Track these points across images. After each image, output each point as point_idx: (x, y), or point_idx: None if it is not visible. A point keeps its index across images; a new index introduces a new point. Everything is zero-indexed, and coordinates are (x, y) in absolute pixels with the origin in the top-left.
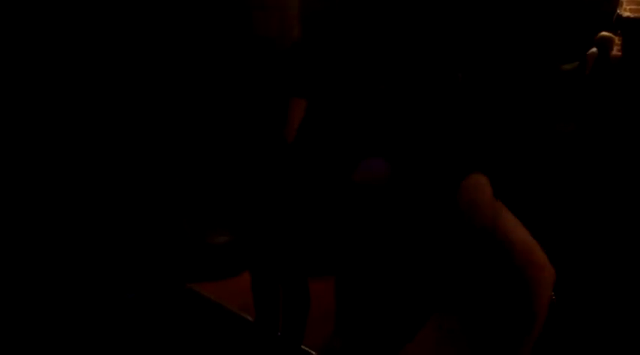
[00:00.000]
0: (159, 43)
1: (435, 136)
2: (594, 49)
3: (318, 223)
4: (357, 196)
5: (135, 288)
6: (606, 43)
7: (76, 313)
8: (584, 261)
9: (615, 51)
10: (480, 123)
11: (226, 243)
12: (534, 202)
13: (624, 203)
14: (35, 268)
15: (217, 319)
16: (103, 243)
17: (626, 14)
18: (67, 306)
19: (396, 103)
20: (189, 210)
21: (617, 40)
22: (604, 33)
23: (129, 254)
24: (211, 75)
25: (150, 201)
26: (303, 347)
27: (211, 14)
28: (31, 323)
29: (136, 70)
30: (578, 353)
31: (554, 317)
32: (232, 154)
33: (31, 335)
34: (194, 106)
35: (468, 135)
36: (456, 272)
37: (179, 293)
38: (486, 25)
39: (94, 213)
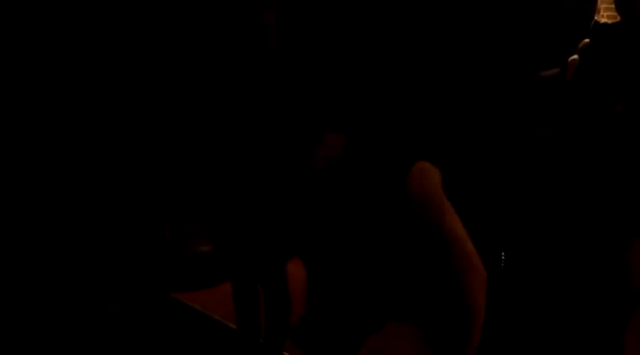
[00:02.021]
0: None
1: (393, 117)
2: (575, 56)
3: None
4: (315, 172)
5: (116, 299)
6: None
7: (56, 325)
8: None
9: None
10: (440, 116)
11: (210, 251)
12: (484, 203)
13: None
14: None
15: (201, 328)
16: (81, 251)
17: (603, 20)
18: (45, 317)
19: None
20: (171, 219)
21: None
22: (587, 40)
23: (109, 263)
24: (197, 82)
25: (131, 210)
26: (285, 353)
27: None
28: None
29: (129, 74)
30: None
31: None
32: (213, 162)
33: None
34: (176, 111)
35: (427, 123)
36: (406, 264)
37: (163, 302)
38: (463, 25)
39: (71, 221)
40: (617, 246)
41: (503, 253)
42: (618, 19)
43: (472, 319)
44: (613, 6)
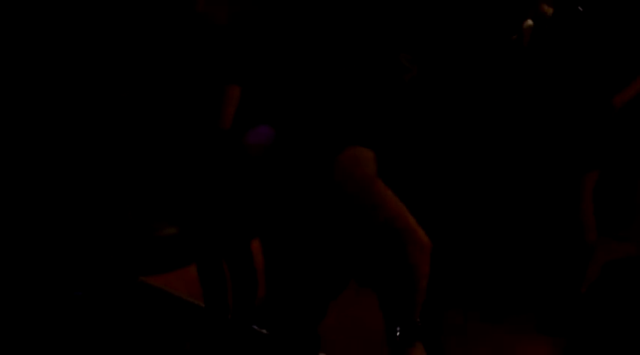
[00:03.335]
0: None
1: (318, 106)
2: (530, 22)
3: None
4: (248, 160)
5: (83, 285)
6: (543, 15)
7: (24, 312)
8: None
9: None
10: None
11: (175, 234)
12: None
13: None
14: None
15: (170, 309)
16: (47, 239)
17: None
18: (13, 305)
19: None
20: (134, 203)
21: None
22: (543, 5)
23: (75, 249)
24: (149, 62)
25: (95, 195)
26: (254, 327)
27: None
28: None
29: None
30: None
31: None
32: (171, 144)
33: None
34: (133, 95)
35: (353, 108)
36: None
37: (131, 286)
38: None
39: (36, 208)
40: (569, 207)
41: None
42: None
43: (418, 287)
44: None
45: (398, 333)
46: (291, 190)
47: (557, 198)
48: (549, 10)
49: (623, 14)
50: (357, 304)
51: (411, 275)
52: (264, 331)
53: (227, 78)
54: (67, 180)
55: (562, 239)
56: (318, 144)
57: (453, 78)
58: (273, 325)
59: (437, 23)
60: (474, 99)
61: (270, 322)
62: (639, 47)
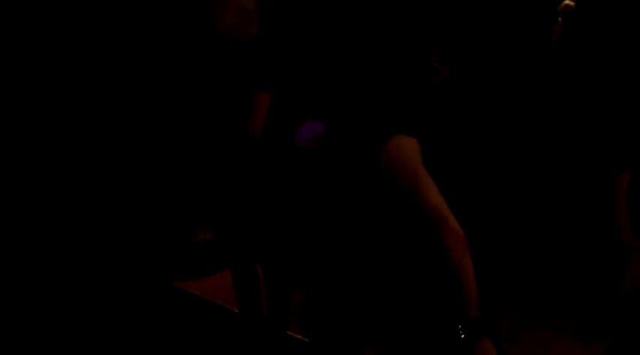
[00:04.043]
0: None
1: (363, 100)
2: (559, 19)
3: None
4: (298, 158)
5: (118, 291)
6: (570, 12)
7: (61, 318)
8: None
9: None
10: (414, 87)
11: (210, 239)
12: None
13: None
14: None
15: (204, 314)
16: (81, 245)
17: None
18: (50, 311)
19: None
20: (171, 208)
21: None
22: (567, 1)
23: (109, 255)
24: (178, 71)
25: (130, 201)
26: (288, 332)
27: (166, 8)
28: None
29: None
30: None
31: None
32: (205, 151)
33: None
34: (164, 102)
35: (394, 101)
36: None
37: (166, 292)
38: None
39: (70, 214)
40: (604, 211)
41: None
42: None
43: (460, 272)
44: None
45: (461, 332)
46: (339, 184)
47: (590, 199)
48: (572, 4)
49: None
50: None
51: (452, 268)
52: (299, 337)
53: (256, 85)
54: (103, 184)
55: (597, 241)
56: (364, 137)
57: (484, 77)
58: (314, 330)
59: (466, 22)
60: (505, 98)
61: (311, 328)
62: None
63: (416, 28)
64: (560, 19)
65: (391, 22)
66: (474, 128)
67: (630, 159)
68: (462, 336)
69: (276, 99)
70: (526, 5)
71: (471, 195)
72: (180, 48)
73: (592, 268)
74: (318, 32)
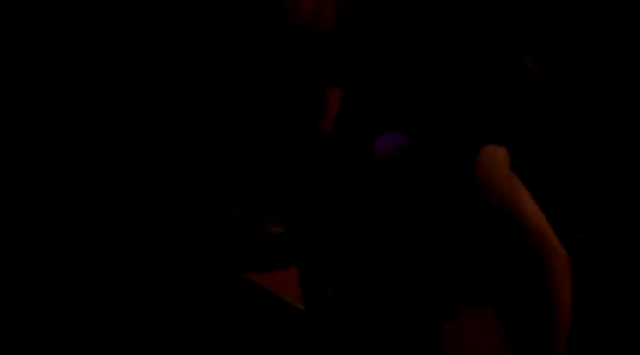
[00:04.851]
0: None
1: (452, 107)
2: None
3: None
4: (378, 171)
5: (190, 278)
6: None
7: (134, 305)
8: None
9: None
10: (502, 98)
11: (280, 233)
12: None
13: None
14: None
15: (269, 309)
16: (155, 235)
17: None
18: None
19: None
20: (243, 200)
21: None
22: None
23: (184, 243)
24: (249, 64)
25: (202, 191)
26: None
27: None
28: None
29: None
30: None
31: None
32: (276, 144)
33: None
34: (233, 93)
35: (486, 107)
36: (476, 251)
37: (236, 283)
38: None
39: (146, 205)
40: None
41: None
42: None
43: (556, 302)
44: None
45: None
46: (424, 196)
47: None
48: None
49: None
50: (472, 325)
51: (548, 292)
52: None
53: (329, 81)
54: (176, 174)
55: None
56: (456, 147)
57: (577, 77)
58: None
59: (559, 22)
60: (599, 100)
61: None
62: None
63: (510, 24)
64: None
65: (485, 17)
66: (568, 133)
67: None
68: None
69: (349, 98)
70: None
71: (568, 205)
72: (254, 41)
73: None
74: (402, 29)
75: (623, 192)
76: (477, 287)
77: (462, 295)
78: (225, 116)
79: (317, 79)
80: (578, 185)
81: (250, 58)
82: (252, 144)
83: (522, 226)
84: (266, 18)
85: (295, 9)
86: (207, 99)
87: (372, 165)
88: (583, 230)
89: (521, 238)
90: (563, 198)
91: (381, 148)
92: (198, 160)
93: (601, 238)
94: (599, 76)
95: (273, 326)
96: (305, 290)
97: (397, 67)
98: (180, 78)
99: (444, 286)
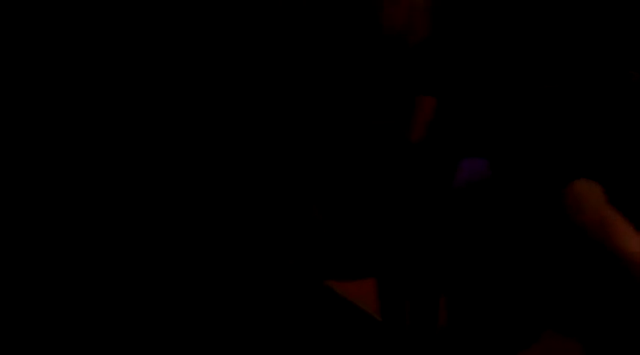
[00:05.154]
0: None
1: (539, 137)
2: None
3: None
4: (460, 196)
5: (276, 281)
6: None
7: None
8: None
9: None
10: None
11: (360, 242)
12: None
13: None
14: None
15: (348, 318)
16: (239, 239)
17: None
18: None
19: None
20: (324, 207)
21: None
22: None
23: (261, 250)
24: (337, 71)
25: (282, 191)
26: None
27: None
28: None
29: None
30: None
31: None
32: (362, 150)
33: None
34: (324, 98)
35: (577, 140)
36: (565, 278)
37: (317, 289)
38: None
39: (230, 207)
40: None
41: None
42: None
43: None
44: None
45: None
46: (508, 223)
47: None
48: None
49: None
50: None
51: None
52: None
53: (421, 89)
54: (255, 174)
55: None
56: (545, 176)
57: None
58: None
59: None
60: None
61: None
62: None
63: (616, 37)
64: None
65: (591, 29)
66: None
67: None
68: None
69: (442, 107)
70: None
71: None
72: (348, 46)
73: None
74: (498, 41)
75: None
76: (561, 313)
77: (544, 318)
78: (309, 120)
79: (410, 87)
80: None
81: (345, 67)
82: (338, 149)
83: (623, 259)
84: (360, 29)
85: (388, 19)
86: (292, 102)
87: (456, 187)
88: None
89: (624, 272)
90: None
91: (466, 171)
92: (282, 164)
93: None
94: None
95: (349, 334)
96: (383, 301)
97: (490, 77)
98: (269, 87)
99: (527, 308)
